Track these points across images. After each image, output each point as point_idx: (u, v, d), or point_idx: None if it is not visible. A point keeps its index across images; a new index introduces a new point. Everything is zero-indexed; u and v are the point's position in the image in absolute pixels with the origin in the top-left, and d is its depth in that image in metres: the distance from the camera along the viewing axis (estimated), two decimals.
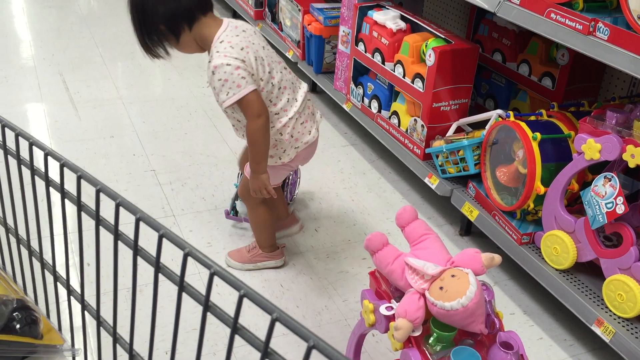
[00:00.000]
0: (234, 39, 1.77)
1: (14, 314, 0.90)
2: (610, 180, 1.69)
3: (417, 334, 1.28)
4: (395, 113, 2.63)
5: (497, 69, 2.66)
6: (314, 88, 3.58)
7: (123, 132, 3.00)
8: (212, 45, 1.78)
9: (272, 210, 2.12)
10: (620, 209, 1.66)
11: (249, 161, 1.89)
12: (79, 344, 1.47)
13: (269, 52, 1.87)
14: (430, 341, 1.27)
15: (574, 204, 2.03)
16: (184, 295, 0.73)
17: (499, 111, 2.22)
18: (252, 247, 2.16)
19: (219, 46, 1.75)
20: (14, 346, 0.89)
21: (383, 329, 1.37)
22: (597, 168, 1.80)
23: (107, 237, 0.94)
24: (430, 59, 2.29)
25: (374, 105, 2.77)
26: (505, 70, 2.60)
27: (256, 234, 2.15)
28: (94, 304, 1.20)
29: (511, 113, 2.04)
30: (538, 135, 1.91)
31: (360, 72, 2.90)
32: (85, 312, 1.00)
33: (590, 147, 1.72)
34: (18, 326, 0.89)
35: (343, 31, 2.94)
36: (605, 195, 1.70)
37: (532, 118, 2.08)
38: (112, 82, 3.53)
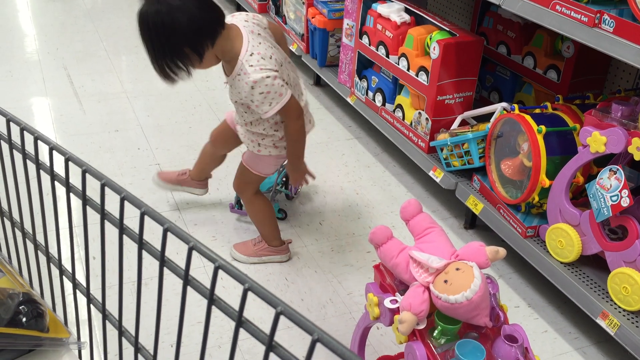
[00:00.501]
0: (261, 49, 1.76)
1: (20, 308, 0.90)
2: (615, 173, 1.68)
3: (421, 327, 1.28)
4: (399, 106, 2.62)
5: (501, 61, 2.65)
6: (318, 81, 3.58)
7: (128, 126, 3.00)
8: (240, 60, 1.74)
9: (269, 203, 2.15)
10: (626, 202, 1.65)
11: (289, 157, 1.95)
12: (84, 337, 1.48)
13: (279, 51, 1.87)
14: (434, 334, 1.27)
15: (579, 197, 2.02)
16: (189, 288, 0.73)
17: (504, 104, 2.21)
18: (259, 241, 2.17)
19: (251, 60, 1.73)
20: (21, 339, 0.90)
21: (387, 322, 1.37)
22: (603, 161, 1.80)
23: (112, 231, 0.94)
24: (435, 51, 2.29)
25: (378, 98, 2.77)
26: (510, 62, 2.59)
27: (259, 227, 2.16)
28: (99, 298, 1.21)
29: (516, 106, 2.03)
30: (543, 128, 1.91)
31: (364, 65, 2.89)
32: (91, 306, 1.01)
33: (595, 140, 1.71)
34: (24, 319, 0.89)
35: (347, 24, 2.93)
36: (611, 188, 1.69)
37: (537, 111, 2.08)
38: (117, 76, 3.54)
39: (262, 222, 2.14)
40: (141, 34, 1.69)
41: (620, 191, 1.67)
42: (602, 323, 1.72)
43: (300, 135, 1.90)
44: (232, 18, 1.84)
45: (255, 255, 2.16)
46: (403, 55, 2.52)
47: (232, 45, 1.75)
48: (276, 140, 1.96)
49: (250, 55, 1.74)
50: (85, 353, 1.19)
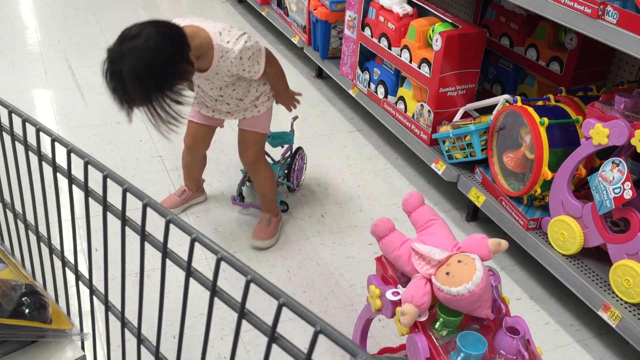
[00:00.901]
0: (219, 24, 1.83)
1: (23, 299, 0.90)
2: (618, 166, 1.68)
3: (423, 319, 1.28)
4: (401, 98, 2.62)
5: (504, 53, 2.64)
6: (320, 74, 3.57)
7: None
8: (216, 43, 1.79)
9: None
10: (628, 194, 1.65)
11: (279, 93, 2.12)
12: (87, 328, 1.49)
13: None
14: (436, 326, 1.28)
15: (581, 190, 2.02)
16: (192, 280, 0.73)
17: (507, 96, 2.21)
18: (268, 219, 2.20)
19: (223, 37, 1.80)
20: (23, 331, 0.90)
21: (389, 314, 1.37)
22: (605, 153, 1.79)
23: (114, 223, 0.95)
24: (437, 43, 2.28)
25: (381, 90, 2.76)
26: (513, 54, 2.58)
27: (269, 193, 2.20)
28: (102, 289, 1.21)
29: (518, 98, 2.03)
30: (545, 120, 1.90)
31: (366, 57, 2.88)
32: (94, 297, 1.01)
33: (598, 132, 1.71)
34: (27, 311, 0.90)
35: (349, 16, 2.92)
36: (613, 181, 1.69)
37: (540, 103, 2.07)
38: None
39: (272, 185, 2.21)
40: (130, 83, 1.59)
41: (622, 183, 1.66)
42: (604, 315, 1.73)
43: (281, 71, 2.07)
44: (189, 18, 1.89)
45: (275, 233, 2.22)
46: (405, 47, 2.52)
47: (200, 37, 1.78)
48: (267, 92, 2.08)
49: (220, 34, 1.80)
50: (88, 344, 1.19)
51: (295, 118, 2.41)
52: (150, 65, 1.61)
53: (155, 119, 1.69)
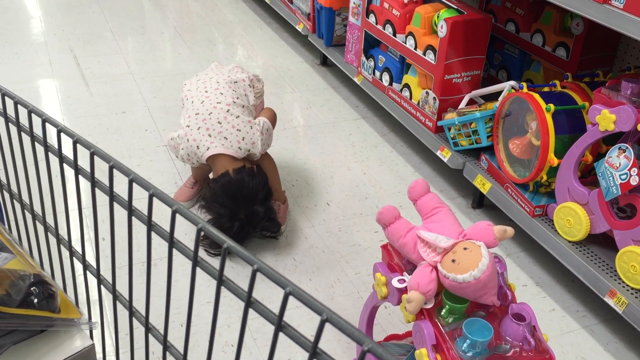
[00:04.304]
0: (234, 142, 2.03)
1: (32, 289, 0.91)
2: (624, 152, 1.67)
3: (429, 306, 1.28)
4: (406, 86, 2.61)
5: (510, 39, 2.62)
6: (324, 61, 3.56)
7: (134, 108, 3.00)
8: (240, 158, 2.05)
9: None
10: (635, 180, 1.65)
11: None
12: (95, 317, 1.50)
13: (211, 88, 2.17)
14: (442, 313, 1.28)
15: (588, 176, 2.02)
16: (198, 269, 0.73)
17: (512, 82, 2.20)
18: (277, 208, 2.21)
19: (243, 147, 2.04)
20: (32, 320, 0.90)
21: (395, 302, 1.38)
22: (612, 139, 1.79)
23: (121, 213, 0.95)
24: (442, 30, 2.27)
25: (385, 78, 2.75)
26: (519, 40, 2.57)
27: (274, 180, 2.21)
28: (109, 278, 1.21)
29: (524, 84, 2.02)
30: (552, 106, 1.89)
31: (371, 45, 2.87)
32: (102, 286, 1.01)
33: (604, 118, 1.70)
34: (36, 300, 0.90)
35: (354, 3, 2.90)
36: (620, 167, 1.68)
37: (546, 89, 2.06)
38: (123, 58, 3.53)
39: (277, 174, 2.24)
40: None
41: (629, 169, 1.66)
42: (610, 301, 1.73)
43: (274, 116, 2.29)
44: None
45: (285, 219, 2.25)
46: (410, 34, 2.50)
47: (229, 163, 2.02)
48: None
49: (240, 149, 2.04)
50: (97, 333, 1.20)
51: None
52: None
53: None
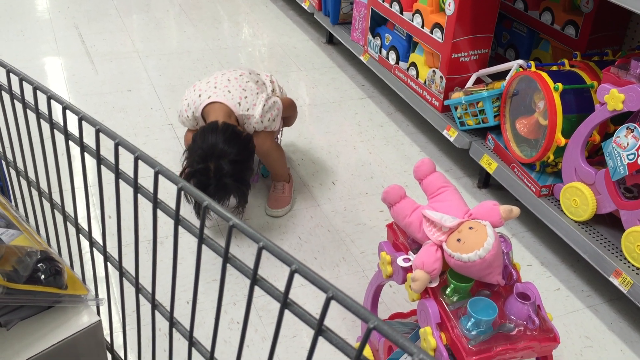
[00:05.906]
0: (236, 95, 2.05)
1: (39, 265, 0.92)
2: (632, 132, 1.66)
3: (434, 285, 1.29)
4: (413, 64, 2.59)
5: (518, 17, 2.59)
6: (330, 39, 3.53)
7: (140, 86, 2.99)
8: (237, 115, 2.04)
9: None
10: None
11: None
12: (102, 294, 1.51)
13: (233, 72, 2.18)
14: (447, 292, 1.28)
15: (595, 156, 2.00)
16: (204, 247, 0.74)
17: (520, 61, 2.18)
18: (282, 186, 2.22)
19: (243, 106, 2.04)
20: (40, 296, 0.91)
21: (400, 280, 1.38)
22: (620, 119, 1.77)
23: (127, 190, 0.95)
24: (450, 8, 2.24)
25: (392, 56, 2.73)
26: (527, 18, 2.54)
27: (280, 167, 2.21)
28: (116, 256, 1.22)
29: (532, 63, 2.00)
30: (560, 85, 1.88)
31: (377, 23, 2.84)
32: (108, 263, 1.02)
33: (613, 98, 1.69)
34: (43, 277, 0.91)
35: None
36: (627, 147, 1.67)
37: (554, 68, 2.04)
38: (128, 35, 3.51)
39: (284, 162, 2.23)
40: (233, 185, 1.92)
41: (637, 149, 1.65)
42: (615, 281, 1.73)
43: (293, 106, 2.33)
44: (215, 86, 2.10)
45: (290, 199, 2.25)
46: (417, 11, 2.48)
47: (224, 112, 2.02)
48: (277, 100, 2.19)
49: (239, 105, 2.04)
50: (104, 309, 1.21)
51: None
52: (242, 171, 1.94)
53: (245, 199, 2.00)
